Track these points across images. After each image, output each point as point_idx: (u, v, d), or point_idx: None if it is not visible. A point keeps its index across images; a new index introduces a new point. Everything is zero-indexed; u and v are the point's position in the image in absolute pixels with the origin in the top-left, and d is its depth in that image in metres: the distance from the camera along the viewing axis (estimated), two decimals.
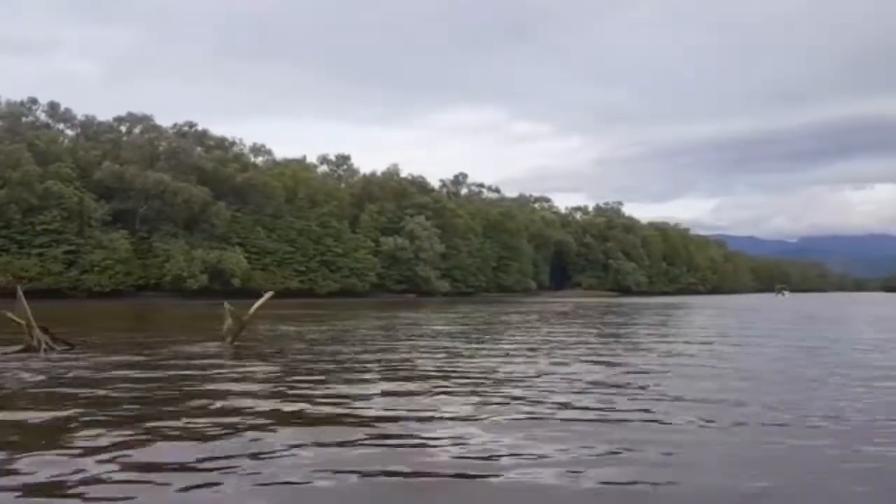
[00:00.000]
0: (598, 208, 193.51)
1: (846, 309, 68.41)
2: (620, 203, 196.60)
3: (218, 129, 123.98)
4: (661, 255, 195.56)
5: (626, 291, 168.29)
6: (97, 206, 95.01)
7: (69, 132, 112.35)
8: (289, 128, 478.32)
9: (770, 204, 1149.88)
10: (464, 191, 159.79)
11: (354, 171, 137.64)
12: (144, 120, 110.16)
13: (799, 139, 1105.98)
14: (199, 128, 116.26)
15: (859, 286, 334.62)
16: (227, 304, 23.26)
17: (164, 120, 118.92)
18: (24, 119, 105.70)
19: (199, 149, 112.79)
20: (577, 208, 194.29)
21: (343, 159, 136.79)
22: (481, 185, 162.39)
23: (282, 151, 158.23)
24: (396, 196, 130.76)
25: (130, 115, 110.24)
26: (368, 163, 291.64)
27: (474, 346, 24.14)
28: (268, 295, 24.07)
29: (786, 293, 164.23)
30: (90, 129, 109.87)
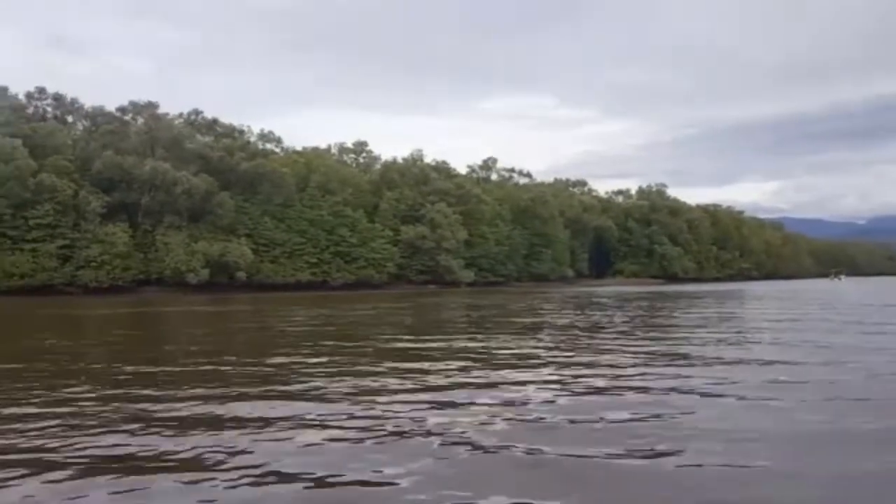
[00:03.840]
0: (641, 191, 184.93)
1: None
2: (665, 185, 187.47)
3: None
4: (710, 239, 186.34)
5: (672, 278, 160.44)
6: (92, 199, 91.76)
7: (80, 124, 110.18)
8: (330, 119, 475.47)
9: (836, 184, 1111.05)
10: (493, 176, 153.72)
11: (374, 159, 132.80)
12: (148, 108, 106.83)
13: (865, 114, 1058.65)
14: (208, 115, 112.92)
15: None
16: None
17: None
18: (28, 111, 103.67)
19: (207, 137, 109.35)
20: (619, 192, 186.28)
21: (361, 146, 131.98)
22: (511, 170, 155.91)
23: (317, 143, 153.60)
24: (418, 182, 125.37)
25: (133, 103, 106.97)
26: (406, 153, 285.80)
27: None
28: None
29: (842, 277, 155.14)
30: (97, 120, 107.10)
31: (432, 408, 10.53)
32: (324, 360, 16.62)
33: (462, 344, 20.12)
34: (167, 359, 18.33)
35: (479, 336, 22.77)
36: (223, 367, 15.61)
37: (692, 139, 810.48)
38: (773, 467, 7.50)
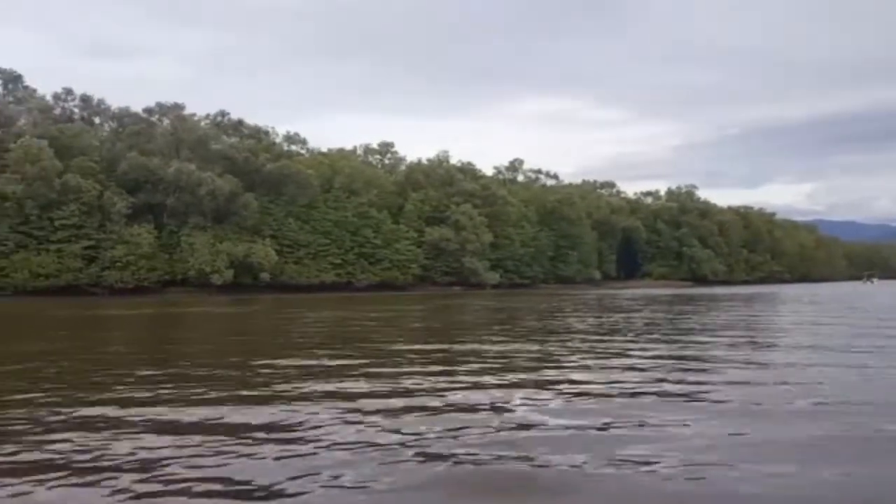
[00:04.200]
0: (670, 192, 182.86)
1: None
2: (695, 187, 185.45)
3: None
4: (741, 241, 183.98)
5: (701, 281, 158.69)
6: (118, 200, 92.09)
7: (107, 125, 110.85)
8: (359, 123, 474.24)
9: (871, 186, 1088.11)
10: (520, 177, 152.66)
11: (400, 160, 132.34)
12: (175, 109, 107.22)
13: None
14: (233, 117, 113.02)
15: None
16: None
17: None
18: (55, 112, 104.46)
19: (233, 139, 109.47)
20: (648, 193, 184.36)
21: (387, 147, 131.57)
22: (538, 171, 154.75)
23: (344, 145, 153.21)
24: (443, 183, 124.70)
25: (160, 105, 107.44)
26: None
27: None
28: None
29: (874, 280, 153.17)
30: (123, 122, 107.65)
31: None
32: (355, 362, 16.05)
33: (487, 347, 19.56)
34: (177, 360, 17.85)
35: (493, 339, 22.13)
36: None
37: (727, 141, 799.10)
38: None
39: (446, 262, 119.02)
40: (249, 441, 8.89)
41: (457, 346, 20.70)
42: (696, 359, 16.82)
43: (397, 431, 9.25)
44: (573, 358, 17.24)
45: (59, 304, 62.82)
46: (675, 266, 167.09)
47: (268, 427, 9.66)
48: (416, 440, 8.79)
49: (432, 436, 9.02)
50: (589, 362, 16.38)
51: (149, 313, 45.78)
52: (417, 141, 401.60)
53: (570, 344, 20.74)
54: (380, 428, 9.51)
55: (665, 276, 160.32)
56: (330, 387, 12.91)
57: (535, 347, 19.91)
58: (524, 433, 9.21)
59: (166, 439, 8.93)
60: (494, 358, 17.37)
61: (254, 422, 9.97)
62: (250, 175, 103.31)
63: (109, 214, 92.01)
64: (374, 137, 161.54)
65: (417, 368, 15.43)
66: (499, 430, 9.34)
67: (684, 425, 9.52)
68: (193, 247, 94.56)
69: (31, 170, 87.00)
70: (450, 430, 9.33)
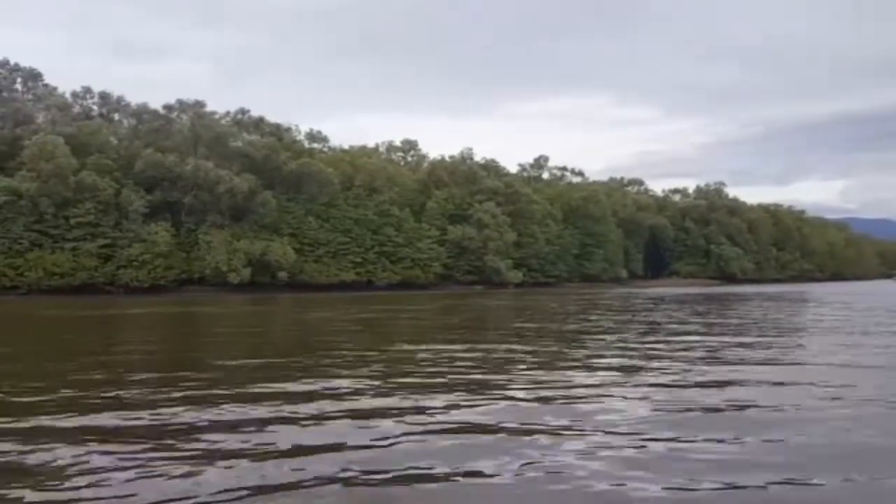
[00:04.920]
0: (699, 190, 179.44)
1: None
2: (723, 184, 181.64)
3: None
4: (770, 239, 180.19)
5: (729, 279, 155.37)
6: (135, 198, 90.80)
7: (126, 122, 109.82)
8: (384, 122, 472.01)
9: None
10: (545, 175, 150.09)
11: (423, 157, 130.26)
12: (195, 106, 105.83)
13: None
14: (253, 114, 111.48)
15: None
16: None
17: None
18: (74, 110, 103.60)
19: (253, 136, 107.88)
20: (676, 190, 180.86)
21: (410, 145, 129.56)
22: (563, 169, 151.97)
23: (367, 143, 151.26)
24: (467, 181, 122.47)
25: (180, 101, 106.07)
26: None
27: None
28: None
29: None
30: (143, 119, 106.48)
31: None
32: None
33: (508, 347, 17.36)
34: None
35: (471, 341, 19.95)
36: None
37: (758, 138, 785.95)
38: None
39: (468, 261, 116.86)
40: None
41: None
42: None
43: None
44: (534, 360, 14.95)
45: (61, 303, 61.28)
46: (703, 264, 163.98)
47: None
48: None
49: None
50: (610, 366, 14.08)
51: (144, 313, 43.95)
52: (442, 140, 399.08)
53: (547, 347, 18.45)
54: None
55: (693, 275, 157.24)
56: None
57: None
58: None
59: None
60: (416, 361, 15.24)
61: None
62: (270, 173, 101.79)
63: (126, 212, 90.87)
64: (399, 136, 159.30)
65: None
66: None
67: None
68: (210, 245, 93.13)
69: (47, 167, 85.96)
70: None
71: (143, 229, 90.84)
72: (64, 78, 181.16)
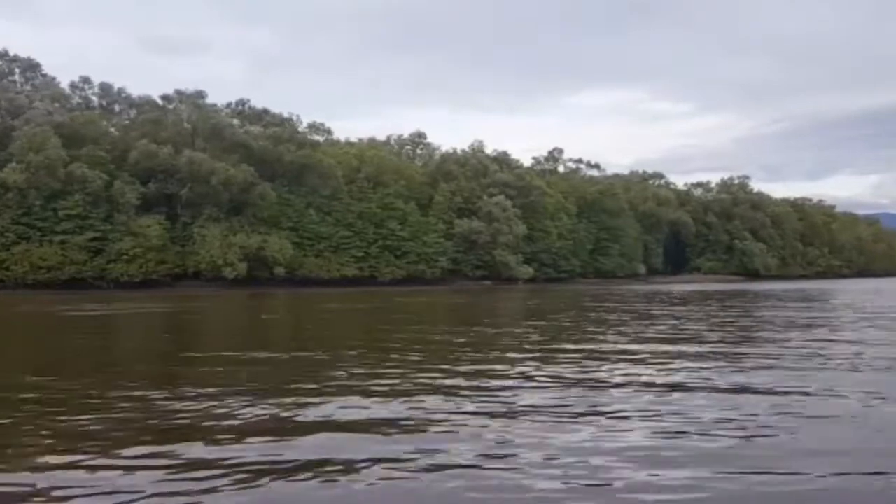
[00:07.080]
0: (722, 184, 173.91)
1: None
2: (747, 177, 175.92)
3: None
4: (796, 234, 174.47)
5: (753, 275, 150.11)
6: (127, 190, 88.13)
7: (125, 113, 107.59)
8: (420, 119, 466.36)
9: None
10: (560, 168, 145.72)
11: (433, 150, 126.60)
12: (195, 97, 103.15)
13: None
14: (255, 105, 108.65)
15: None
16: None
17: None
18: (73, 101, 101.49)
19: (255, 127, 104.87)
20: (698, 184, 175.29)
21: (419, 137, 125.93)
22: (579, 161, 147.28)
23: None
24: (477, 174, 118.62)
25: (179, 92, 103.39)
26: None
27: None
28: None
29: None
30: (142, 109, 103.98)
31: None
32: None
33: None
34: None
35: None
36: None
37: (791, 132, 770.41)
38: None
39: (477, 256, 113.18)
40: None
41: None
42: None
43: None
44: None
45: (39, 298, 58.49)
46: (726, 260, 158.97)
47: None
48: None
49: None
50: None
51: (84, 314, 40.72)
52: (472, 134, 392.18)
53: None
54: None
55: (715, 271, 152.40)
56: None
57: None
58: None
59: None
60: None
61: None
62: (271, 165, 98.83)
63: (118, 205, 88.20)
64: (431, 132, 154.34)
65: None
66: None
67: None
68: (205, 239, 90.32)
69: (36, 158, 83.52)
70: None
71: (135, 222, 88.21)
72: (98, 74, 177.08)
